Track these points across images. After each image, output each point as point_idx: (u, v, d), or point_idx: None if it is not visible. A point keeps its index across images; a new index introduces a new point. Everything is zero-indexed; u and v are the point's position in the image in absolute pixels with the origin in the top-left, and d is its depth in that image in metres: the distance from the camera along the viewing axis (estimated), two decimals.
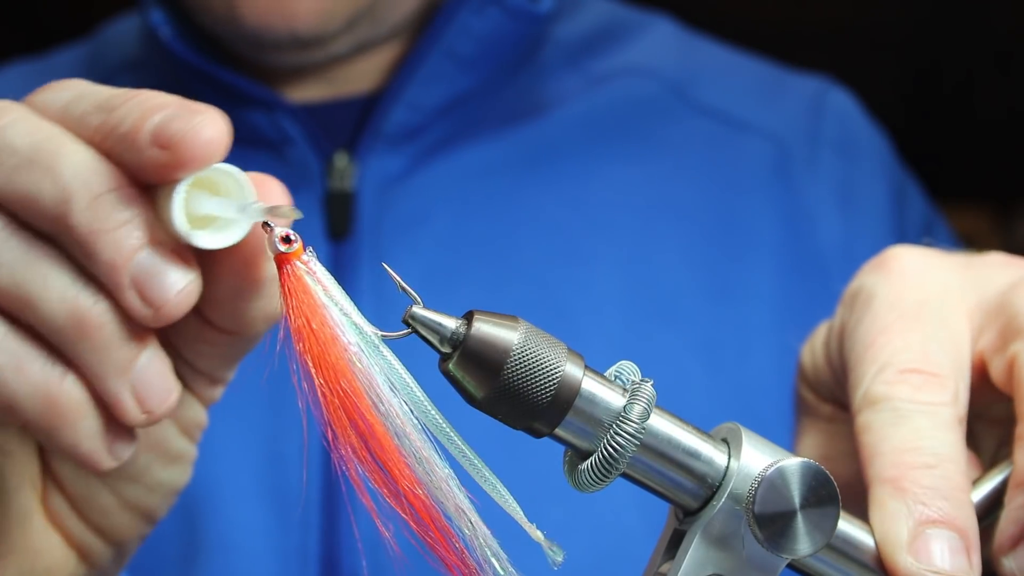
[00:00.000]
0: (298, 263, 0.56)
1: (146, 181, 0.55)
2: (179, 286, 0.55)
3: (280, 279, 0.56)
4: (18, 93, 0.60)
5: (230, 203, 0.55)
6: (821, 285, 1.07)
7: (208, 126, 0.53)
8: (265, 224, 0.56)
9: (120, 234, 0.54)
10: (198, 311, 0.58)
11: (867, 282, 0.70)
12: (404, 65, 1.04)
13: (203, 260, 0.57)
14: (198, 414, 0.66)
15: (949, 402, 0.63)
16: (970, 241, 1.20)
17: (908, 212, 1.13)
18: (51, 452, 0.64)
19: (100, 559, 0.66)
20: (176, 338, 0.60)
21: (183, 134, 0.53)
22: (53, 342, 0.55)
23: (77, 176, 0.54)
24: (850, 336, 0.69)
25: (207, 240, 0.55)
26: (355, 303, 1.00)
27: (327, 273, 0.58)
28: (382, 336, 0.59)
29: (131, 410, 0.56)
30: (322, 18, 0.98)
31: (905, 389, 0.63)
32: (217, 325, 0.60)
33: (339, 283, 1.00)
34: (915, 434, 0.62)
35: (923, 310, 0.66)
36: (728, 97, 1.14)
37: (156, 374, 0.56)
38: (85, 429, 0.56)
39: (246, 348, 0.63)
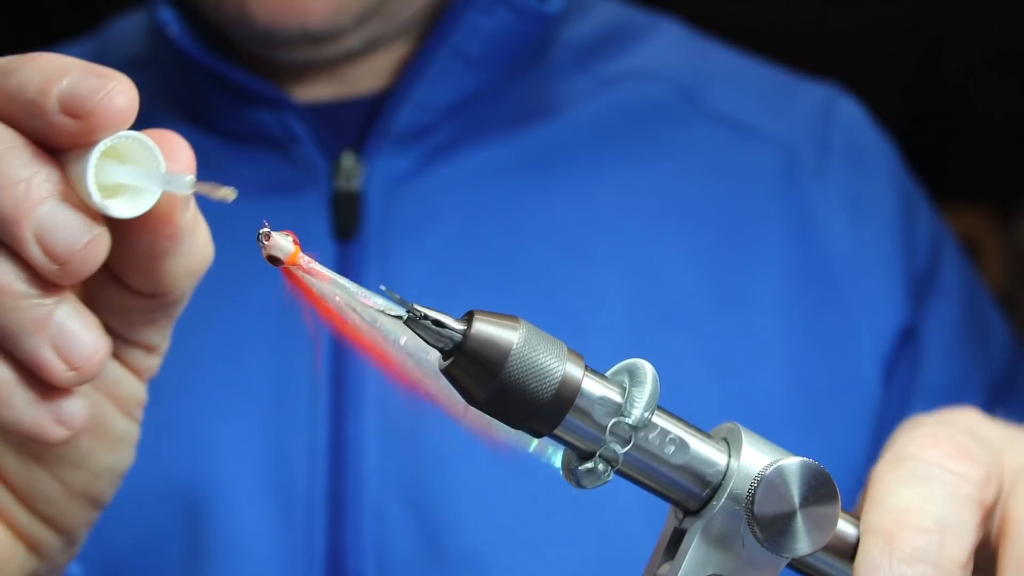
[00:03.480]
0: (300, 264, 0.56)
1: (53, 147, 0.54)
2: (85, 238, 0.54)
3: (289, 282, 0.56)
4: None
5: (140, 172, 0.55)
6: (829, 293, 1.06)
7: (120, 93, 0.53)
8: (259, 235, 0.56)
9: (19, 189, 0.53)
10: (118, 279, 0.57)
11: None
12: (412, 65, 1.04)
13: (115, 224, 0.56)
14: (137, 390, 0.65)
15: (975, 481, 0.61)
16: (970, 242, 1.20)
17: (917, 223, 1.13)
18: None
19: (50, 549, 0.66)
20: (101, 311, 0.59)
21: (95, 102, 0.52)
22: None
23: None
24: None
25: (122, 209, 0.54)
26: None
27: (328, 271, 0.57)
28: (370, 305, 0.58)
29: (57, 368, 0.55)
30: (334, 14, 0.98)
31: (935, 453, 0.61)
32: (140, 290, 0.59)
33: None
34: (926, 498, 0.60)
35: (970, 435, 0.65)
36: (737, 103, 1.14)
37: (78, 327, 0.55)
38: (20, 402, 0.56)
39: (175, 309, 0.62)
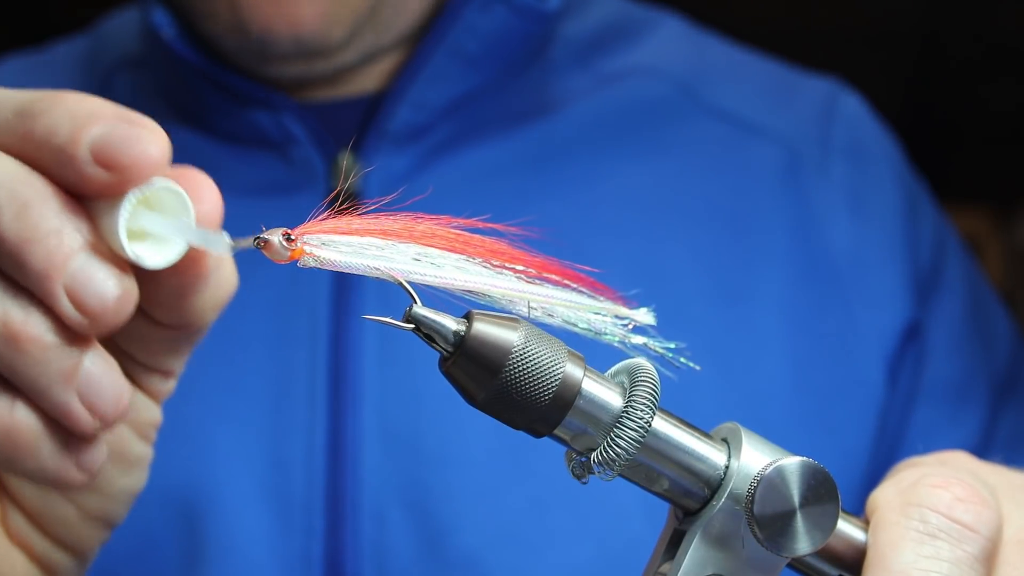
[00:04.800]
0: (307, 258, 0.57)
1: (83, 195, 0.53)
2: (116, 293, 0.53)
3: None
4: (16, 87, 0.58)
5: (172, 224, 0.54)
6: (832, 291, 1.06)
7: (153, 143, 0.52)
8: (257, 239, 0.56)
9: (51, 242, 0.52)
10: (143, 311, 0.57)
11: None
12: (409, 64, 1.03)
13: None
14: (153, 413, 0.65)
15: (984, 534, 0.60)
16: (971, 242, 1.20)
17: (920, 219, 1.12)
18: (10, 474, 0.63)
19: (63, 571, 0.66)
20: (123, 339, 0.59)
21: (129, 154, 0.51)
22: None
23: (2, 186, 0.52)
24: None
25: (152, 259, 0.53)
26: (359, 302, 1.00)
27: (331, 258, 0.57)
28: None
29: (83, 419, 0.54)
30: (325, 22, 0.97)
31: (944, 500, 0.61)
32: (164, 323, 0.58)
33: (344, 283, 1.00)
34: (931, 562, 0.59)
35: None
36: (739, 99, 1.14)
37: (103, 378, 0.55)
38: (46, 452, 0.55)
39: (197, 338, 0.61)
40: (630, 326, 0.61)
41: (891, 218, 1.11)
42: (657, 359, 0.62)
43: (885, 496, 0.63)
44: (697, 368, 0.62)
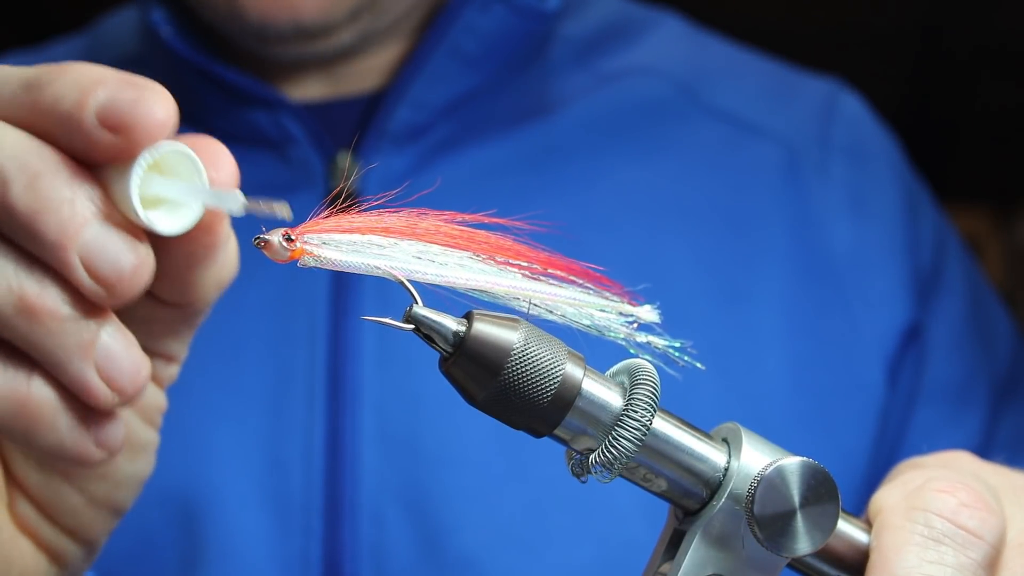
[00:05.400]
0: (306, 258, 0.57)
1: (92, 161, 0.53)
2: (132, 261, 0.53)
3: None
4: None
5: (185, 186, 0.53)
6: (831, 291, 1.06)
7: (158, 104, 0.51)
8: (257, 238, 0.56)
9: (63, 212, 0.51)
10: (146, 291, 0.56)
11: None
12: (409, 63, 1.03)
13: (152, 235, 0.55)
14: (158, 398, 0.64)
15: (988, 540, 0.60)
16: (970, 241, 1.20)
17: (921, 220, 1.12)
18: (14, 456, 0.62)
19: (71, 558, 0.66)
20: (126, 321, 0.58)
21: (134, 115, 0.51)
22: (9, 338, 0.53)
23: (12, 158, 0.52)
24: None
25: (167, 225, 0.53)
26: (358, 302, 1.00)
27: (332, 257, 0.57)
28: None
29: (102, 392, 0.54)
30: (326, 8, 0.98)
31: (949, 504, 0.61)
32: (168, 300, 0.58)
33: (343, 282, 1.00)
34: (934, 567, 0.59)
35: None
36: (738, 99, 1.14)
37: (121, 351, 0.54)
38: (64, 427, 0.55)
39: (198, 320, 0.61)
40: (634, 325, 0.61)
41: (891, 218, 1.11)
42: (660, 356, 0.61)
43: (889, 498, 0.63)
44: (701, 367, 0.62)
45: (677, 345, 0.62)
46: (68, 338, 0.53)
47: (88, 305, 0.53)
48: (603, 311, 0.61)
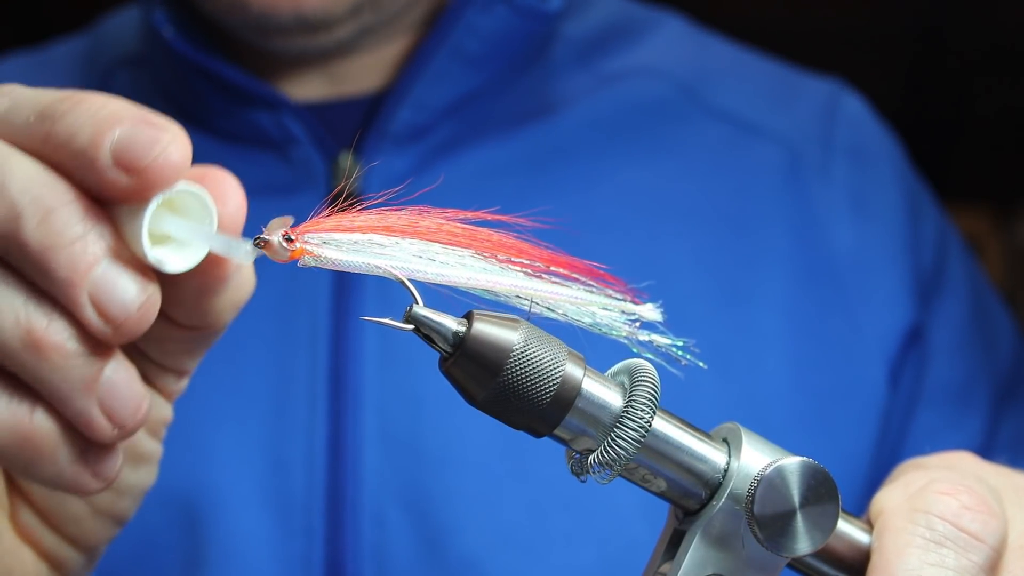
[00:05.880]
0: (307, 258, 0.57)
1: (104, 199, 0.53)
2: (139, 300, 0.53)
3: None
4: None
5: (196, 229, 0.53)
6: (833, 293, 1.06)
7: (174, 146, 0.51)
8: (258, 239, 0.56)
9: (75, 249, 0.52)
10: (161, 312, 0.56)
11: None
12: (410, 64, 1.03)
13: None
14: (164, 411, 0.65)
15: (990, 543, 0.61)
16: (971, 241, 1.20)
17: (922, 221, 1.12)
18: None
19: (72, 567, 0.66)
20: (140, 339, 0.58)
21: (150, 159, 0.51)
22: (14, 371, 0.54)
23: (26, 192, 0.52)
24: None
25: (175, 263, 0.53)
26: (359, 303, 1.00)
27: (332, 256, 0.57)
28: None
29: (102, 427, 0.54)
30: (327, 1, 0.97)
31: (951, 507, 0.61)
32: (182, 324, 0.58)
33: (344, 283, 1.00)
34: (936, 568, 0.59)
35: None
36: (740, 100, 1.14)
37: (123, 387, 0.55)
38: (63, 459, 0.55)
39: (214, 339, 0.61)
40: (637, 323, 0.61)
41: (893, 219, 1.11)
42: (663, 355, 0.61)
43: (891, 500, 0.63)
44: (704, 366, 0.62)
45: (680, 344, 0.62)
46: (73, 373, 0.53)
47: (94, 342, 0.54)
48: (606, 310, 0.61)
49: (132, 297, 0.53)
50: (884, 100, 1.47)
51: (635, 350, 0.61)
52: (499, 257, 0.60)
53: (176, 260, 0.53)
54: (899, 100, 3.13)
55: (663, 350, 0.62)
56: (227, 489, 0.95)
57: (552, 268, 0.60)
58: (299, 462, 0.96)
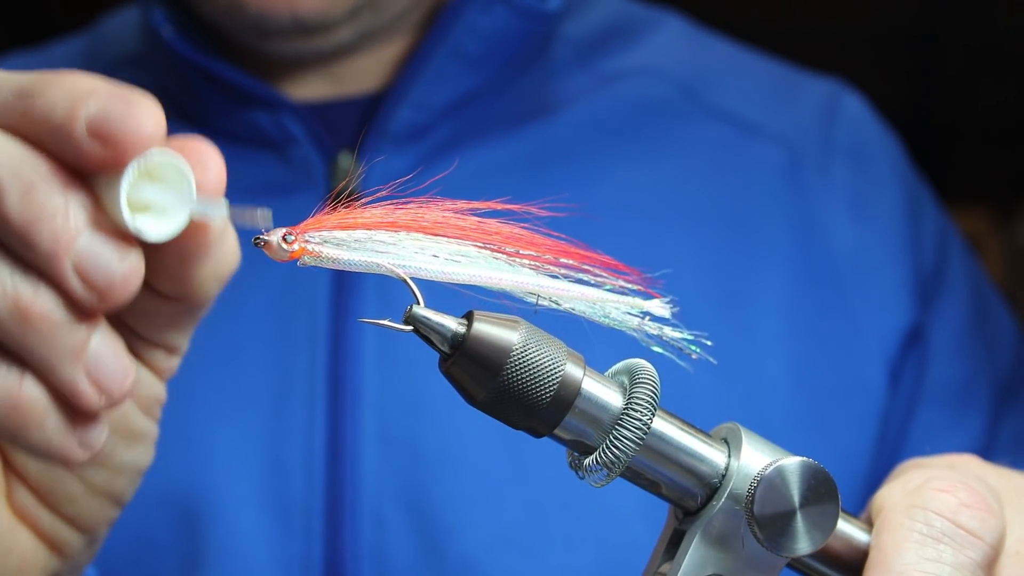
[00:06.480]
0: (307, 257, 0.57)
1: (82, 170, 0.54)
2: (123, 268, 0.54)
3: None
4: None
5: (172, 194, 0.54)
6: (833, 293, 1.06)
7: (147, 116, 0.52)
8: (257, 239, 0.56)
9: (57, 221, 0.53)
10: (146, 284, 0.57)
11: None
12: (410, 64, 1.03)
13: None
14: (157, 389, 0.65)
15: (988, 541, 0.61)
16: (971, 241, 1.19)
17: (923, 221, 1.12)
18: (15, 449, 0.63)
19: (71, 549, 0.66)
20: (126, 314, 0.59)
21: (123, 128, 0.52)
22: (3, 341, 0.55)
23: (6, 167, 0.53)
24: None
25: (155, 230, 0.54)
26: (359, 303, 1.00)
27: (333, 255, 0.58)
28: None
29: (90, 396, 0.55)
30: (324, 3, 0.97)
31: (950, 504, 0.61)
32: (167, 294, 0.59)
33: (343, 283, 1.00)
34: (933, 565, 0.59)
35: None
36: (740, 100, 1.13)
37: (110, 356, 0.56)
38: (51, 426, 0.56)
39: (200, 312, 0.62)
40: (646, 318, 0.62)
41: (893, 219, 1.10)
42: (673, 349, 0.62)
43: (890, 497, 0.63)
44: (713, 361, 0.62)
45: (691, 337, 0.63)
46: (60, 342, 0.54)
47: (80, 310, 0.55)
48: (615, 305, 0.61)
49: (115, 265, 0.54)
50: (884, 100, 1.47)
51: (644, 343, 0.61)
52: (507, 250, 0.60)
53: (157, 227, 0.54)
54: (899, 100, 3.13)
55: (673, 344, 0.62)
56: (226, 489, 0.95)
57: (562, 260, 0.61)
58: (298, 462, 0.96)
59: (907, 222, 1.11)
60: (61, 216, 0.53)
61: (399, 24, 1.05)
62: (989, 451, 1.05)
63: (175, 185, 0.55)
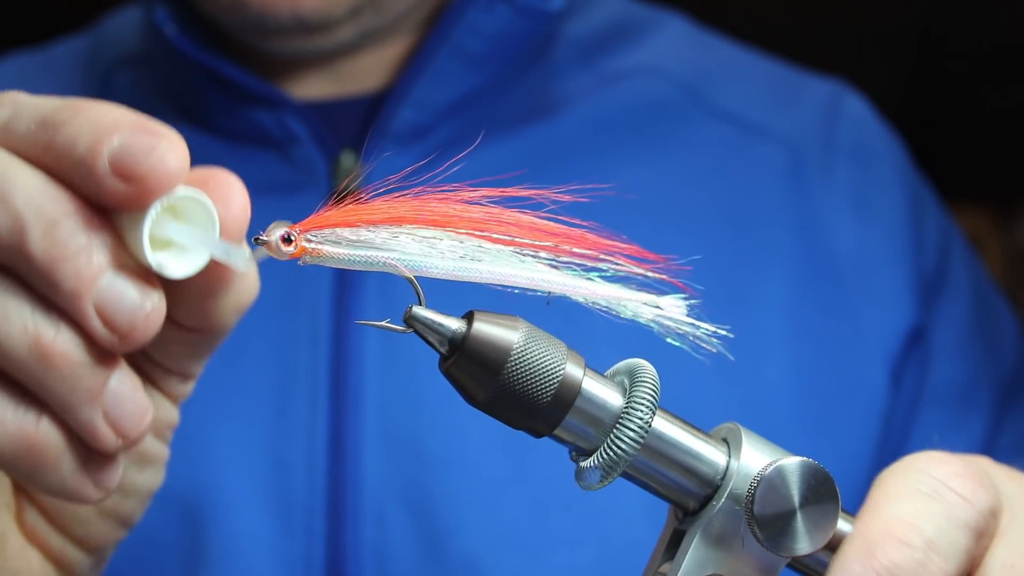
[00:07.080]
0: (308, 256, 0.57)
1: (105, 207, 0.53)
2: (145, 310, 0.53)
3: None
4: (16, 86, 0.58)
5: (196, 235, 0.54)
6: (835, 293, 1.06)
7: (171, 153, 0.51)
8: (257, 238, 0.56)
9: (80, 261, 0.52)
10: (166, 315, 0.57)
11: None
12: (412, 63, 1.03)
13: None
14: (170, 414, 0.65)
15: (978, 507, 0.60)
16: (970, 242, 1.19)
17: (925, 222, 1.12)
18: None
19: (79, 569, 0.66)
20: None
21: (147, 166, 0.51)
22: (20, 380, 0.54)
23: (30, 203, 0.52)
24: None
25: (178, 269, 0.53)
26: (361, 303, 1.00)
27: (335, 253, 0.57)
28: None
29: (107, 437, 0.55)
30: (326, 1, 0.97)
31: (944, 469, 0.61)
32: (187, 326, 0.58)
33: (345, 282, 1.00)
34: (921, 513, 0.59)
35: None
36: (742, 100, 1.13)
37: (128, 397, 0.55)
38: (67, 467, 0.55)
39: (218, 342, 0.61)
40: (663, 311, 0.62)
41: (895, 219, 1.10)
42: (689, 342, 0.62)
43: (889, 467, 0.63)
44: (732, 358, 0.62)
45: (710, 330, 0.63)
46: (79, 383, 0.54)
47: (100, 351, 0.54)
48: (630, 299, 0.61)
49: (137, 306, 0.53)
50: (885, 100, 1.47)
51: (659, 333, 0.61)
52: (519, 240, 0.60)
53: (179, 265, 0.54)
54: (900, 100, 3.13)
55: (690, 338, 0.62)
56: (228, 489, 0.95)
57: (576, 250, 0.61)
58: (300, 462, 0.96)
59: (909, 222, 1.11)
60: (84, 255, 0.52)
61: (401, 23, 1.05)
62: (991, 452, 1.05)
63: (198, 220, 0.54)
